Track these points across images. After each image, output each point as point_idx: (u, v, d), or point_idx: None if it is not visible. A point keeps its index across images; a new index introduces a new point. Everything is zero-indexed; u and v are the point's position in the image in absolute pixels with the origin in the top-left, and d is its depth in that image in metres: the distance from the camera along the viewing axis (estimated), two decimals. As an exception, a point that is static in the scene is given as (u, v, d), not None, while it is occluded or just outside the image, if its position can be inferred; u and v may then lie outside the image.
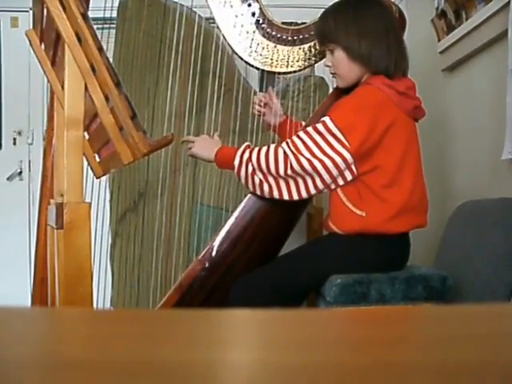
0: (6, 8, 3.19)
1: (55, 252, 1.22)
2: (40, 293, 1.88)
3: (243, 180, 1.85)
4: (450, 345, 0.30)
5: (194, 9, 2.33)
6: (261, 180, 1.81)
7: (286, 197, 1.81)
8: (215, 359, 0.28)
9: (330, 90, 2.32)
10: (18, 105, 3.35)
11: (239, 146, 2.00)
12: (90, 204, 1.12)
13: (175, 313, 0.44)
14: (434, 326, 0.36)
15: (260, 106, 2.11)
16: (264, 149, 1.81)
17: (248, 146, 1.86)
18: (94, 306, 2.01)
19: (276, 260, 1.96)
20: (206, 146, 1.93)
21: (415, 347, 0.31)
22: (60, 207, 1.11)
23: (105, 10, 2.15)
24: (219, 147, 1.90)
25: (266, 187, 1.82)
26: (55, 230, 1.18)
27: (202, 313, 0.36)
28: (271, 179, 1.80)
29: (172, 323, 0.36)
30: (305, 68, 2.14)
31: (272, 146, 1.80)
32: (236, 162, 1.83)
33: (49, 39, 1.33)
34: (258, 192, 1.85)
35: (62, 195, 1.18)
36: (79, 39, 1.06)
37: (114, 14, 2.41)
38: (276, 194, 1.82)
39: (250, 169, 1.81)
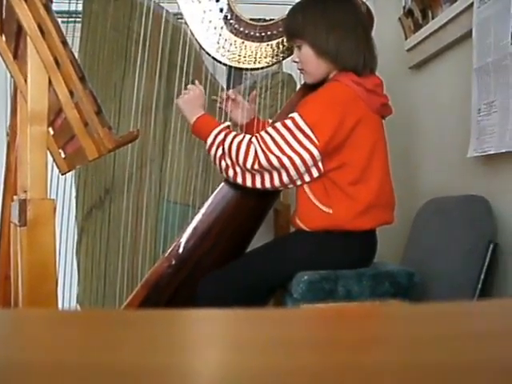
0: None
1: (19, 249, 1.20)
2: (3, 291, 1.85)
3: (212, 158, 1.86)
4: (418, 346, 0.30)
5: (162, 4, 2.31)
6: (227, 165, 1.81)
7: (248, 184, 1.82)
8: (175, 363, 0.27)
9: (298, 87, 2.32)
10: (-20, 99, 3.28)
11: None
12: (54, 200, 1.10)
13: (136, 313, 0.42)
14: (402, 325, 0.36)
15: (222, 101, 2.07)
16: (239, 138, 1.80)
17: (227, 127, 1.85)
18: (60, 303, 1.98)
19: (243, 257, 1.96)
20: (190, 106, 1.92)
21: (384, 348, 0.30)
22: (23, 204, 1.09)
23: (69, 2, 2.11)
24: (201, 114, 1.90)
25: (231, 173, 1.81)
26: (18, 227, 1.15)
27: (163, 313, 0.35)
28: (238, 168, 1.80)
29: (132, 324, 0.35)
30: (272, 64, 2.13)
31: (246, 138, 1.79)
32: (209, 140, 1.83)
33: (10, 30, 1.30)
34: (224, 174, 1.86)
35: (25, 191, 1.16)
36: (42, 31, 1.04)
37: (80, 8, 2.37)
38: (239, 181, 1.82)
39: (220, 152, 1.81)
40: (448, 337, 0.32)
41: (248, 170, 1.78)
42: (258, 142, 1.76)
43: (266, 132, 1.78)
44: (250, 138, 1.79)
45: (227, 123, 1.89)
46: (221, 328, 0.35)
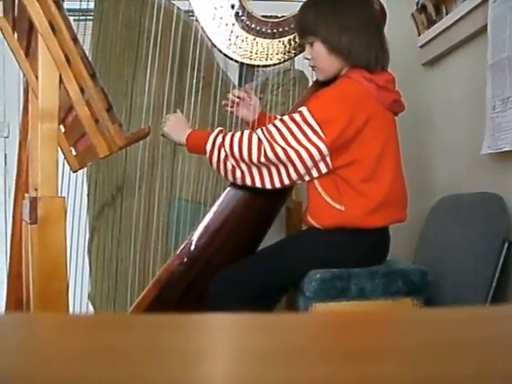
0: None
1: (29, 247, 1.19)
2: (15, 288, 1.85)
3: (215, 165, 1.82)
4: (434, 355, 0.29)
5: (173, 1, 2.30)
6: (233, 166, 1.78)
7: (258, 184, 1.79)
8: (184, 375, 0.26)
9: (310, 84, 2.31)
10: (-7, 97, 3.29)
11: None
12: (65, 198, 1.09)
13: (143, 318, 0.41)
14: (417, 332, 0.34)
15: (233, 101, 2.07)
16: (238, 134, 1.78)
17: (221, 131, 1.83)
18: (71, 301, 1.98)
19: (255, 255, 1.95)
20: (177, 128, 1.89)
21: (400, 358, 0.29)
22: (34, 202, 1.09)
23: (81, 1, 2.11)
24: (190, 131, 1.87)
25: (238, 173, 1.79)
26: (29, 225, 1.15)
27: (172, 318, 0.34)
28: (244, 166, 1.77)
29: (138, 330, 0.33)
30: (284, 61, 2.12)
31: (246, 132, 1.78)
32: (208, 147, 1.80)
33: (22, 28, 1.30)
34: (230, 178, 1.83)
35: (36, 189, 1.16)
36: (53, 29, 1.03)
37: (91, 6, 2.37)
38: (248, 181, 1.80)
39: (223, 154, 1.78)
40: (464, 345, 0.31)
41: (254, 164, 1.76)
42: (263, 133, 1.74)
43: (273, 124, 1.76)
44: (250, 132, 1.78)
45: (219, 128, 1.86)
46: (231, 336, 0.33)
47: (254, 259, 1.90)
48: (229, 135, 1.79)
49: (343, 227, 1.79)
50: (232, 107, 2.08)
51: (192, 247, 1.94)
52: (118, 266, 2.41)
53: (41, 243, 1.06)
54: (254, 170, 1.78)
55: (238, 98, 2.06)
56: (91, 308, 2.47)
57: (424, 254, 2.20)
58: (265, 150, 1.72)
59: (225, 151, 1.77)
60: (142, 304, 1.96)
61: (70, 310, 2.28)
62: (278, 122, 1.76)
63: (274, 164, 1.75)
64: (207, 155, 1.81)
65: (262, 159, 1.73)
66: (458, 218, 2.03)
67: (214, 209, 1.98)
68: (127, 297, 2.21)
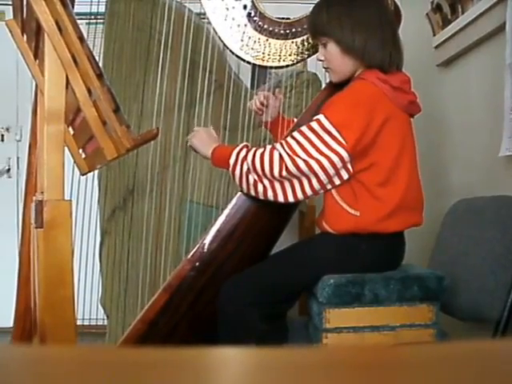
0: (-8, 2, 3.13)
1: (36, 251, 1.17)
2: (24, 293, 1.83)
3: (237, 179, 1.79)
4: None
5: (184, 3, 2.28)
6: (255, 180, 1.75)
7: (280, 199, 1.75)
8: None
9: (323, 86, 2.28)
10: (6, 101, 3.31)
11: (230, 142, 1.95)
12: (71, 202, 1.07)
13: (141, 354, 0.36)
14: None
15: (262, 104, 2.04)
16: (260, 150, 1.75)
17: (246, 146, 1.80)
18: (82, 305, 1.96)
19: (267, 260, 1.92)
20: (204, 141, 1.87)
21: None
22: (40, 205, 1.06)
23: (91, 4, 2.10)
24: (217, 145, 1.85)
25: (260, 188, 1.76)
26: (35, 229, 1.13)
27: (172, 354, 0.30)
28: (266, 181, 1.74)
29: (137, 370, 0.30)
30: (297, 62, 2.09)
31: (268, 148, 1.75)
32: (232, 160, 1.77)
33: (30, 30, 1.28)
34: (253, 193, 1.79)
35: (42, 192, 1.13)
36: (59, 28, 1.01)
37: (102, 9, 2.35)
38: (270, 196, 1.76)
39: (245, 168, 1.75)
40: None
41: (276, 178, 1.72)
42: (283, 148, 1.71)
43: (292, 136, 1.73)
44: (272, 147, 1.74)
45: (245, 143, 1.84)
46: (243, 378, 0.29)
47: (266, 264, 1.87)
48: (252, 150, 1.76)
49: (358, 232, 1.75)
50: (258, 110, 2.05)
51: (204, 251, 1.91)
52: (128, 269, 2.39)
53: (46, 247, 1.04)
54: (277, 185, 1.74)
55: (262, 104, 2.03)
56: (102, 312, 2.45)
57: (439, 258, 2.16)
58: (286, 165, 1.69)
59: (247, 164, 1.74)
60: (153, 309, 1.94)
61: (81, 314, 2.26)
62: (296, 134, 1.72)
63: (296, 177, 1.71)
64: (230, 168, 1.78)
65: (284, 173, 1.70)
66: (475, 221, 1.99)
67: (226, 212, 1.94)
68: (138, 300, 2.19)
